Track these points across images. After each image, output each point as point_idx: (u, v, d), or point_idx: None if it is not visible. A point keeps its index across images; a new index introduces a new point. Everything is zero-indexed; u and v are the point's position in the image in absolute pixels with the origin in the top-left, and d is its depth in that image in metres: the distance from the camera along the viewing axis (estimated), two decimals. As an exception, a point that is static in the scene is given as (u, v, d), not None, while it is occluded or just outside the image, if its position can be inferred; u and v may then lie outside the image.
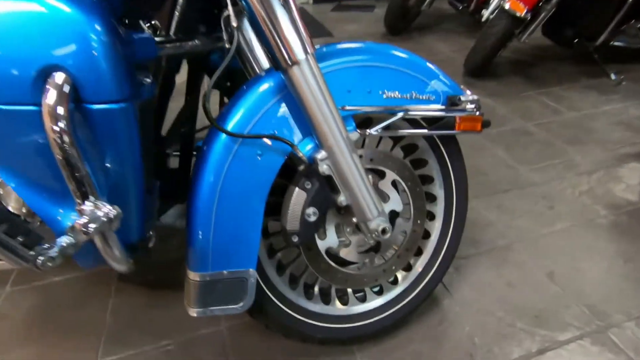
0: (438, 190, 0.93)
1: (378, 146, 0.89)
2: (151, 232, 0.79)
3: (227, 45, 0.71)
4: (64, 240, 0.57)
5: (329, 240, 0.84)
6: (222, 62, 0.64)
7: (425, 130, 0.82)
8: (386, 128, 0.78)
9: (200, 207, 0.71)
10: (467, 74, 2.40)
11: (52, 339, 1.05)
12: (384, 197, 0.84)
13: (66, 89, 0.52)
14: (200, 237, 0.71)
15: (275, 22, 0.62)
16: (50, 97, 0.51)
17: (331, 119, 0.68)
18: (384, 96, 0.76)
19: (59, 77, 0.51)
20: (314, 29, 3.56)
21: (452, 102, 0.80)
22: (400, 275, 0.96)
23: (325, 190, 0.75)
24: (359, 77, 0.74)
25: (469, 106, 0.80)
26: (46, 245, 0.59)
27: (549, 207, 1.40)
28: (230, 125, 0.68)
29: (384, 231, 0.77)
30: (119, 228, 0.62)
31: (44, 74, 0.52)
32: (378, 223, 0.77)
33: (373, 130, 0.76)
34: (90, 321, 1.09)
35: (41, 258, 0.57)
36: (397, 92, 0.76)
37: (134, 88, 0.59)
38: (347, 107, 0.73)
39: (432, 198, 0.94)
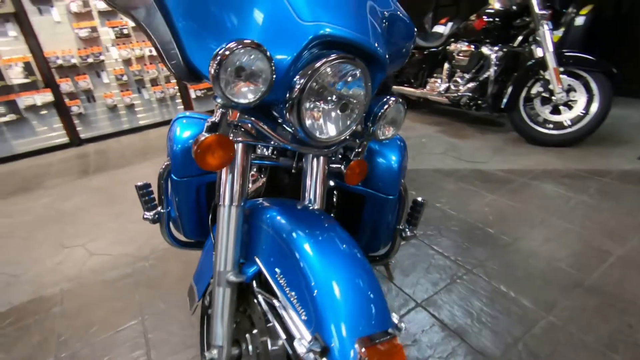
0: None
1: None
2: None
3: None
4: (148, 215, 1.12)
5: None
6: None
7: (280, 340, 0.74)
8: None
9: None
10: None
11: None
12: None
13: (164, 168, 1.03)
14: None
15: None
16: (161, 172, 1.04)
17: (223, 255, 0.77)
18: (275, 275, 0.71)
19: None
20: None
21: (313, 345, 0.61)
22: None
23: None
24: (269, 246, 0.76)
25: None
26: (152, 214, 1.12)
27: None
28: None
29: None
30: (175, 225, 1.17)
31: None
32: (211, 351, 0.81)
33: (254, 289, 0.79)
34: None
35: (148, 217, 1.12)
36: (285, 282, 0.69)
37: (190, 173, 1.01)
38: (257, 258, 0.78)
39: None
